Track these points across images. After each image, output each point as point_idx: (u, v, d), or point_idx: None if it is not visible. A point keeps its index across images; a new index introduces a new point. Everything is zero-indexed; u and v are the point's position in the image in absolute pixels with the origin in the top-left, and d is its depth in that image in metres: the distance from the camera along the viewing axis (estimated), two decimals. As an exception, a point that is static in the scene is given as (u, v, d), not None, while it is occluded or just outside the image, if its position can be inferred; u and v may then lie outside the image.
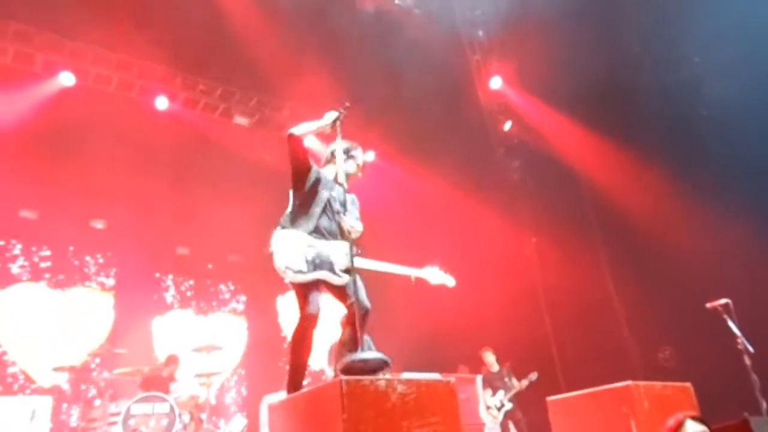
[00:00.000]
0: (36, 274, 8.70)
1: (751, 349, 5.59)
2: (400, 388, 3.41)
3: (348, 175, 4.35)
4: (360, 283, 3.99)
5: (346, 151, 4.40)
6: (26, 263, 8.69)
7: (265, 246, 3.93)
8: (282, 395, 6.63)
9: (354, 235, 4.04)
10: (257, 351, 10.13)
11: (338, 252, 3.96)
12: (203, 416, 6.94)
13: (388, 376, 3.44)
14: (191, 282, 10.00)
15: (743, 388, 5.50)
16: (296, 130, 4.13)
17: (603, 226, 9.03)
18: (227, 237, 9.29)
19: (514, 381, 7.83)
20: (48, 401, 5.84)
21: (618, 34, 8.03)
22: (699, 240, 7.18)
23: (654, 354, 8.27)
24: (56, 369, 6.92)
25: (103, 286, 9.21)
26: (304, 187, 4.10)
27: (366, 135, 10.47)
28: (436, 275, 5.12)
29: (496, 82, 9.42)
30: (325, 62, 8.13)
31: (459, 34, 9.09)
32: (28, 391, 7.88)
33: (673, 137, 7.57)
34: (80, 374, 6.84)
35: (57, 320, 8.58)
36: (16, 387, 7.90)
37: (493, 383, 7.79)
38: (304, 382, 4.12)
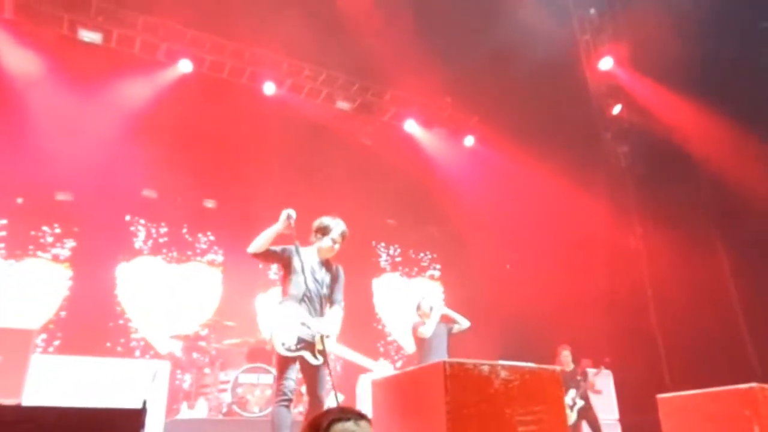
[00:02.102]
0: (155, 249, 9.40)
1: None
2: (503, 373, 3.37)
3: (327, 252, 4.51)
4: (325, 374, 4.26)
5: (319, 230, 4.56)
6: (147, 239, 9.41)
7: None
8: (380, 374, 6.78)
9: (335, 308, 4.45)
10: (352, 333, 10.37)
11: (321, 332, 4.26)
12: (303, 389, 7.23)
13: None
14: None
15: None
16: (252, 248, 4.39)
17: (721, 214, 8.39)
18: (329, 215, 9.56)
19: (588, 381, 7.70)
20: (167, 365, 6.31)
21: (742, 8, 7.37)
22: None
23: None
24: (173, 337, 7.50)
25: (213, 262, 9.79)
26: (288, 274, 4.41)
27: (466, 119, 10.38)
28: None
29: (606, 63, 8.95)
30: (427, 45, 8.10)
31: (569, 12, 8.71)
32: (147, 356, 8.56)
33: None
34: (193, 343, 7.33)
35: (173, 293, 9.24)
36: (137, 353, 8.62)
37: (565, 382, 7.59)
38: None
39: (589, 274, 8.69)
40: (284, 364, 4.17)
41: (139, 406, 2.18)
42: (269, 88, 9.08)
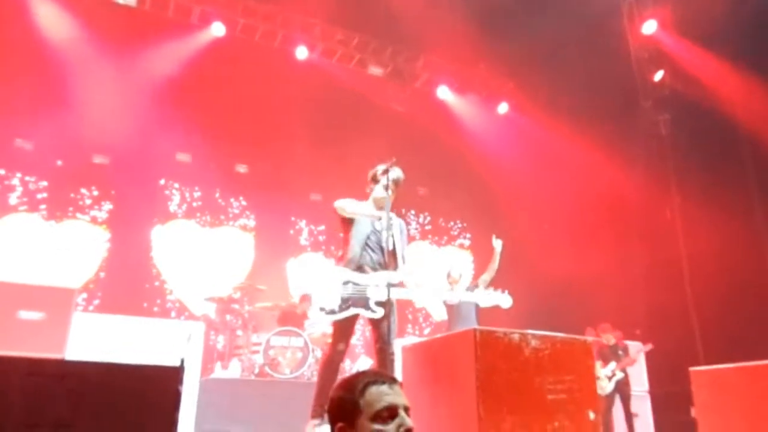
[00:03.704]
0: (189, 213, 9.56)
1: None
2: (534, 342, 3.36)
3: (383, 201, 4.34)
4: (393, 322, 4.13)
5: (372, 179, 4.48)
6: (181, 202, 9.57)
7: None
8: (411, 340, 6.84)
9: (401, 266, 4.34)
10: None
11: (376, 284, 4.20)
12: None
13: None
14: (323, 227, 10.46)
15: None
16: (340, 207, 4.38)
17: (763, 186, 8.10)
18: (358, 185, 9.54)
19: (630, 356, 7.71)
20: (201, 326, 6.47)
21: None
22: None
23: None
24: (207, 299, 7.67)
25: (245, 227, 9.92)
26: (347, 229, 4.38)
27: (499, 85, 10.16)
28: (487, 298, 5.09)
29: (650, 27, 8.57)
30: (460, 10, 7.91)
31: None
32: (183, 317, 8.80)
33: None
34: (226, 305, 7.50)
35: (206, 256, 9.42)
36: (173, 314, 8.86)
37: (605, 356, 7.59)
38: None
39: (624, 245, 8.55)
40: (333, 327, 4.25)
41: (177, 364, 2.24)
42: (301, 53, 9.01)
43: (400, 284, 4.31)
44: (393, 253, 4.37)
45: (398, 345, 5.04)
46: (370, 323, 4.30)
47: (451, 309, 6.37)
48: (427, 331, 10.60)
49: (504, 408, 3.13)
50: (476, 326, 5.92)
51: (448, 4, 7.82)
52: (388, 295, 4.08)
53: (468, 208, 11.42)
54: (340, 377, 4.33)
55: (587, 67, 8.64)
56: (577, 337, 3.57)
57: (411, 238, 11.15)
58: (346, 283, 4.21)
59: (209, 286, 8.78)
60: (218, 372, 6.85)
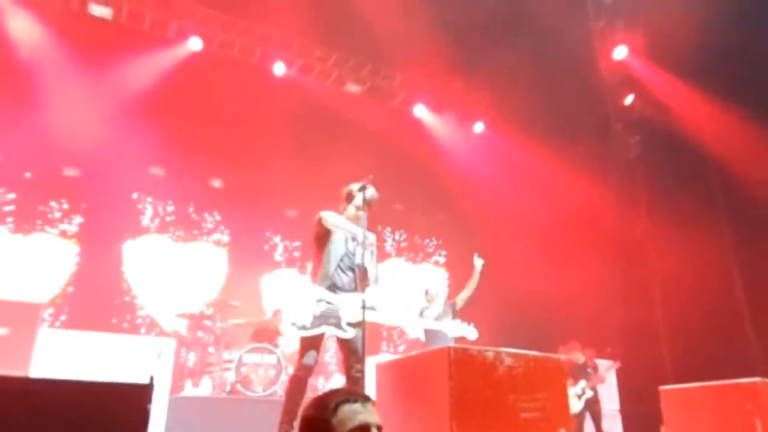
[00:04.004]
0: (162, 227, 9.43)
1: None
2: (508, 360, 3.37)
3: (355, 219, 4.37)
4: (363, 342, 4.16)
5: (346, 197, 4.49)
6: (154, 217, 9.43)
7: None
8: (384, 357, 6.81)
9: (371, 286, 4.31)
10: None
11: (349, 305, 4.19)
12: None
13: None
14: (298, 243, 10.41)
15: None
16: (326, 219, 4.32)
17: (731, 209, 8.32)
18: (334, 201, 9.55)
19: (599, 374, 7.77)
20: (172, 343, 6.36)
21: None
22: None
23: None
24: (179, 315, 7.54)
25: (219, 242, 9.82)
26: (321, 247, 4.35)
27: (474, 104, 10.31)
28: (455, 328, 5.12)
29: (620, 52, 8.83)
30: (438, 31, 8.03)
31: (584, -1, 8.61)
32: (153, 333, 8.63)
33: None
34: (198, 322, 7.38)
35: (179, 271, 9.28)
36: (143, 330, 8.69)
37: (575, 374, 7.66)
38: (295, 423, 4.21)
39: (597, 264, 8.66)
40: (301, 342, 4.20)
41: (146, 381, 2.19)
42: (279, 69, 9.04)
43: (372, 306, 4.29)
44: (365, 273, 4.37)
45: (372, 362, 5.01)
46: (340, 342, 4.27)
47: (429, 330, 6.36)
48: (401, 348, 10.57)
49: (477, 426, 3.14)
50: (452, 343, 5.94)
51: (425, 24, 7.94)
52: (362, 317, 4.07)
53: (443, 226, 11.50)
54: (312, 395, 4.28)
55: (561, 89, 8.82)
56: (551, 355, 3.60)
57: (387, 255, 11.17)
58: (319, 300, 4.19)
59: (181, 302, 8.65)
60: (189, 390, 6.71)
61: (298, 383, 4.18)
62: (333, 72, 9.37)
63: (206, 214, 9.86)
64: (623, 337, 8.62)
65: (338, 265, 4.29)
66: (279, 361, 6.76)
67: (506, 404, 3.27)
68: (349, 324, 4.20)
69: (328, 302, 4.20)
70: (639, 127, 9.24)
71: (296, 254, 10.40)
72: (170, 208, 9.55)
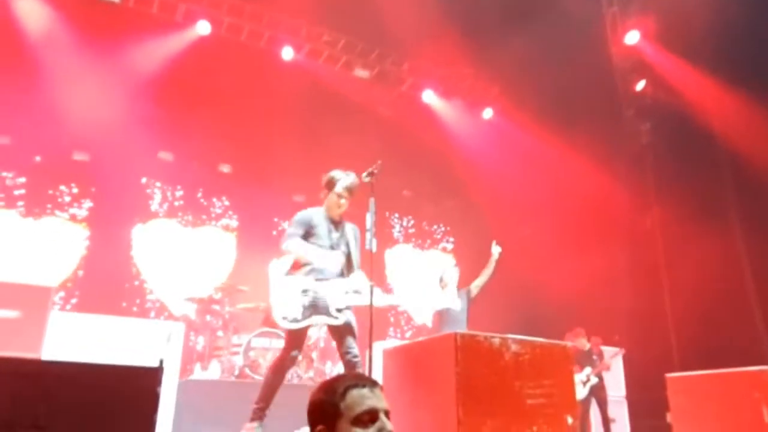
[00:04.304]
0: (171, 212, 9.47)
1: None
2: (514, 347, 3.39)
3: (336, 206, 4.36)
4: (354, 327, 4.21)
5: (326, 185, 4.43)
6: (163, 201, 9.47)
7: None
8: (392, 343, 6.84)
9: (354, 272, 4.32)
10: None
11: (335, 292, 4.18)
12: (314, 355, 7.35)
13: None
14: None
15: None
16: (287, 248, 4.26)
17: (740, 197, 8.25)
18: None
19: (604, 361, 7.80)
20: (181, 327, 6.41)
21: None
22: None
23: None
24: (187, 299, 7.60)
25: (227, 227, 9.85)
26: (306, 239, 4.29)
27: (484, 90, 10.23)
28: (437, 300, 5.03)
29: (632, 37, 8.70)
30: (447, 15, 7.95)
31: (596, -17, 8.49)
32: (162, 317, 8.71)
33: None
34: (207, 306, 7.43)
35: (187, 256, 9.33)
36: (152, 314, 8.76)
37: (580, 361, 7.66)
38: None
39: (606, 252, 8.63)
40: (288, 335, 4.22)
41: (155, 365, 2.22)
42: (287, 53, 8.99)
43: (357, 290, 4.29)
44: (349, 259, 4.38)
45: (379, 348, 5.04)
46: (331, 329, 4.28)
47: (439, 315, 6.36)
48: (408, 334, 10.61)
49: (484, 411, 3.16)
50: (465, 329, 5.98)
51: (435, 9, 7.86)
52: (370, 302, 4.09)
53: (452, 212, 11.48)
54: (320, 380, 4.32)
55: (571, 75, 8.73)
56: (557, 342, 3.61)
57: (394, 241, 11.19)
58: (305, 291, 4.18)
59: (190, 287, 8.71)
60: (197, 373, 6.78)
61: (279, 371, 4.20)
62: (341, 57, 9.32)
63: (215, 199, 9.88)
64: (631, 325, 8.62)
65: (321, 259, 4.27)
66: (287, 345, 6.79)
67: (512, 390, 3.29)
68: (338, 310, 4.20)
69: (314, 292, 4.19)
70: (650, 114, 9.14)
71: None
72: (179, 193, 9.58)
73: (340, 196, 4.35)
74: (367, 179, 4.48)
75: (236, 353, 6.77)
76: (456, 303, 6.26)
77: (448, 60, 9.41)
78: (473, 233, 10.98)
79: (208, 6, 8.42)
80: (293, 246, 4.24)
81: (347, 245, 4.40)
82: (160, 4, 8.27)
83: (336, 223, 4.43)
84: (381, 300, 4.56)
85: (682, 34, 8.02)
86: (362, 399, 1.79)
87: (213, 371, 6.81)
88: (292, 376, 7.11)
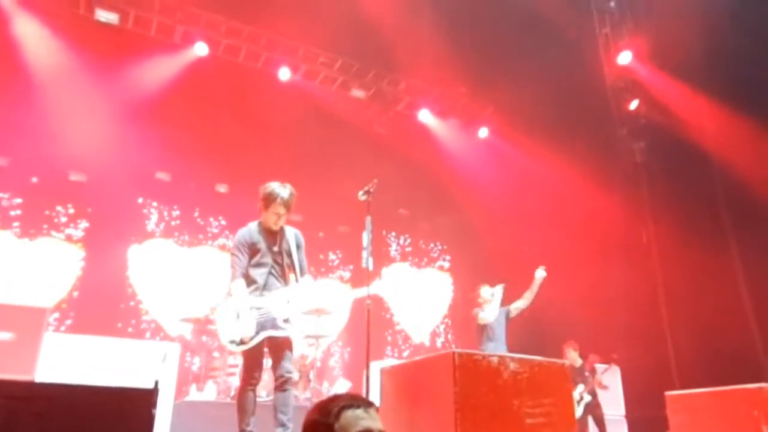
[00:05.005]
0: (167, 232, 9.46)
1: None
2: (512, 366, 3.37)
3: (271, 224, 4.36)
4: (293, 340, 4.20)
5: (262, 201, 4.43)
6: (159, 221, 9.46)
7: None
8: (389, 362, 6.80)
9: (304, 277, 4.35)
10: (361, 318, 10.42)
11: (279, 303, 4.19)
12: (311, 375, 7.30)
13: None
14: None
15: None
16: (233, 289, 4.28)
17: (735, 214, 8.30)
18: (339, 207, 9.56)
19: (596, 378, 7.74)
20: (177, 347, 6.36)
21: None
22: None
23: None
24: (183, 320, 7.55)
25: (223, 247, 9.82)
26: (250, 256, 4.30)
27: (479, 110, 10.32)
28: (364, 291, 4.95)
29: (625, 57, 8.82)
30: (443, 35, 8.06)
31: (588, 4, 8.61)
32: (158, 338, 8.64)
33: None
34: (203, 326, 7.38)
35: (183, 276, 9.29)
36: (148, 335, 8.70)
37: (573, 377, 7.62)
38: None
39: (601, 270, 8.65)
40: (244, 355, 4.19)
41: (150, 386, 2.20)
42: (284, 74, 9.07)
43: (304, 297, 4.32)
44: (292, 268, 4.38)
45: (376, 367, 5.02)
46: (270, 342, 4.18)
47: (483, 328, 6.34)
48: (406, 353, 10.55)
49: (482, 431, 3.13)
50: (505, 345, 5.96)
51: (430, 30, 7.97)
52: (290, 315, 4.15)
53: (448, 230, 11.49)
54: (317, 400, 4.27)
55: (565, 94, 8.83)
56: (556, 361, 3.59)
57: (391, 260, 11.17)
58: (252, 309, 4.16)
59: (186, 307, 8.66)
60: (193, 394, 6.72)
61: (246, 396, 4.14)
62: (338, 77, 9.41)
63: (211, 219, 9.87)
64: (629, 342, 8.59)
65: (269, 272, 4.29)
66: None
67: (511, 409, 3.26)
68: (285, 321, 4.19)
69: (259, 308, 4.17)
70: (644, 133, 9.22)
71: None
72: (176, 213, 9.58)
73: (279, 216, 4.36)
74: (363, 198, 4.51)
75: (232, 374, 6.71)
76: (492, 315, 6.23)
77: (443, 80, 9.50)
78: (470, 251, 11.00)
79: (205, 28, 8.50)
80: (236, 291, 4.25)
81: (289, 254, 4.39)
82: (158, 26, 8.36)
83: (275, 234, 4.42)
84: (353, 294, 4.59)
85: (674, 53, 8.13)
86: (357, 420, 1.77)
87: (209, 392, 6.75)
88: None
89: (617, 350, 8.43)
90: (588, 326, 8.33)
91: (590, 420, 7.60)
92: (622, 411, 8.60)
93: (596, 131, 9.22)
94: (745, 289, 8.07)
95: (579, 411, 7.46)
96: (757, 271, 7.80)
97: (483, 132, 10.44)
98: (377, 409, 1.94)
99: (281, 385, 4.15)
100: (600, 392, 7.81)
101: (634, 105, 9.17)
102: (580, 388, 7.57)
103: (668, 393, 4.57)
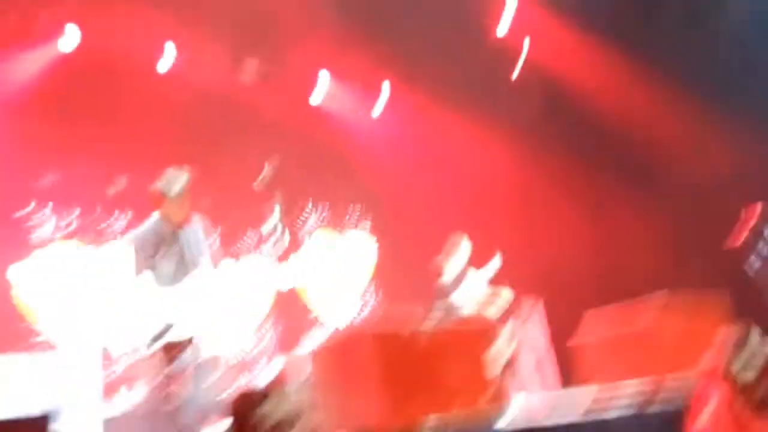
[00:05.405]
0: (66, 234, 8.90)
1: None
2: (428, 335, 3.52)
3: (174, 215, 4.30)
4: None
5: (161, 192, 4.39)
6: (56, 224, 8.86)
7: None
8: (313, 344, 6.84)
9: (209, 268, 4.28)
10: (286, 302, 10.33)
11: (188, 297, 4.15)
12: (230, 369, 7.21)
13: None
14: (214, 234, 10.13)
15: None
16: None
17: (622, 163, 8.83)
18: (236, 193, 9.31)
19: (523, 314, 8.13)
20: (97, 356, 6.08)
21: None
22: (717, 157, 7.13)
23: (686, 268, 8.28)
24: (102, 324, 7.21)
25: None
26: (154, 253, 4.23)
27: (376, 75, 10.28)
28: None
29: (511, 4, 8.97)
30: (327, 4, 7.89)
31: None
32: (71, 349, 8.19)
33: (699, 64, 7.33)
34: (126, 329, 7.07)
35: (93, 277, 8.82)
36: (53, 348, 8.18)
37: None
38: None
39: (507, 221, 9.01)
40: (164, 351, 4.14)
41: (40, 412, 2.08)
42: (167, 59, 8.60)
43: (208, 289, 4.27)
44: (199, 259, 4.31)
45: (307, 349, 5.07)
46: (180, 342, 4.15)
47: None
48: (332, 331, 10.59)
49: (405, 400, 3.28)
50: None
51: (316, 5, 7.75)
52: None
53: (364, 195, 11.48)
54: (246, 384, 4.30)
55: (460, 50, 8.92)
56: (470, 325, 3.80)
57: (311, 229, 11.08)
58: (161, 302, 4.10)
59: (103, 310, 8.29)
60: (121, 402, 6.52)
61: (170, 397, 4.15)
62: (224, 58, 8.99)
63: (116, 212, 9.38)
64: (548, 282, 9.02)
65: (174, 265, 4.23)
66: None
67: (433, 374, 3.43)
68: (196, 314, 4.15)
69: (168, 301, 4.11)
70: (537, 83, 9.49)
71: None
72: (73, 214, 9.03)
73: (178, 203, 4.26)
74: (261, 183, 4.45)
75: (166, 375, 6.53)
76: None
77: (336, 49, 9.33)
78: (389, 213, 11.12)
79: (75, 15, 7.85)
80: (141, 285, 4.18)
81: (191, 247, 4.30)
82: (20, 13, 7.62)
83: (179, 225, 4.33)
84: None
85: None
86: (276, 407, 1.82)
87: (139, 396, 6.57)
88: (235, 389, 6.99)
89: (539, 291, 8.87)
90: (506, 272, 8.68)
91: None
92: (545, 339, 9.11)
93: (492, 84, 9.42)
94: (631, 214, 8.65)
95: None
96: (646, 205, 8.41)
97: (383, 96, 10.41)
98: (295, 393, 2.00)
99: (196, 373, 4.12)
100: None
101: (525, 55, 9.40)
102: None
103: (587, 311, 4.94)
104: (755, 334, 3.04)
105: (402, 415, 3.19)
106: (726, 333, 3.07)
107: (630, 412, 3.63)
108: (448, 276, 6.80)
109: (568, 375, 6.26)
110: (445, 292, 6.74)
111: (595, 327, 4.83)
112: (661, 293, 4.41)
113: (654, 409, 3.67)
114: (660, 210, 8.08)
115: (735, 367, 2.90)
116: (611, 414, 3.63)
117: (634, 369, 4.12)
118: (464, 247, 7.03)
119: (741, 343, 2.97)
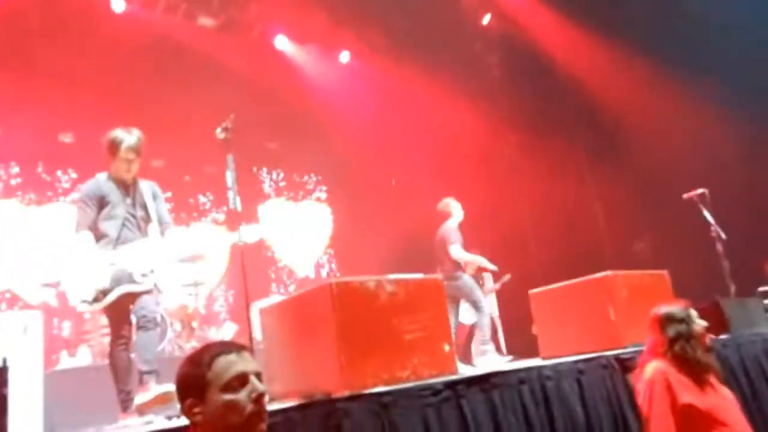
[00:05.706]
0: (8, 192, 8.47)
1: (723, 235, 5.84)
2: (389, 287, 3.48)
3: (122, 173, 4.15)
4: (149, 299, 3.99)
5: (108, 150, 4.19)
6: (-4, 181, 8.42)
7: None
8: (275, 298, 6.76)
9: (167, 230, 4.20)
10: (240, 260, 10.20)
11: (134, 257, 3.97)
12: (194, 324, 7.11)
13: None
14: (169, 194, 9.83)
15: (715, 274, 5.77)
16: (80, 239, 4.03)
17: (582, 122, 9.00)
18: (202, 147, 9.04)
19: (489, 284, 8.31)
20: (38, 315, 5.85)
21: None
22: (676, 134, 7.32)
23: (630, 247, 8.58)
24: (44, 285, 6.94)
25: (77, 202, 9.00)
26: (99, 210, 4.06)
27: (338, 33, 10.04)
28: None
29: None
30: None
31: None
32: (16, 308, 7.89)
33: (659, 30, 7.45)
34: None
35: (36, 237, 8.45)
36: (3, 306, 7.92)
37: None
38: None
39: (470, 187, 9.05)
40: (106, 313, 4.02)
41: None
42: (118, 4, 8.14)
43: (167, 250, 4.18)
44: (149, 220, 4.20)
45: (254, 309, 4.96)
46: (130, 297, 3.98)
47: None
48: (292, 288, 10.57)
49: (365, 353, 3.24)
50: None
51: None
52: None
53: (321, 161, 11.35)
54: (199, 346, 4.17)
55: (424, 13, 8.81)
56: (429, 276, 3.78)
57: (266, 196, 10.91)
58: (104, 263, 3.92)
59: (45, 270, 7.94)
60: (65, 362, 6.31)
61: (118, 356, 3.98)
62: (181, 5, 8.59)
63: (59, 173, 8.96)
64: (499, 252, 9.18)
65: (123, 224, 4.07)
66: (162, 318, 6.49)
67: (391, 328, 3.40)
68: (143, 275, 3.98)
69: (114, 262, 3.94)
70: (498, 47, 9.52)
71: (169, 206, 9.84)
72: (14, 170, 8.56)
73: (128, 159, 4.10)
74: (221, 135, 4.28)
75: (106, 334, 6.33)
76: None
77: (297, 4, 9.04)
78: (345, 180, 11.02)
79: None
80: (82, 244, 3.98)
81: (144, 207, 4.19)
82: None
83: (128, 187, 4.19)
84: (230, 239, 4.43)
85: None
86: (230, 365, 1.75)
87: (83, 357, 6.37)
88: (173, 348, 6.86)
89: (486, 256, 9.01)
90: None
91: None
92: (497, 311, 9.34)
93: (454, 48, 9.36)
94: (594, 195, 8.88)
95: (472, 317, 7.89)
96: (604, 179, 8.60)
97: (344, 56, 10.21)
98: (252, 352, 1.92)
99: (143, 324, 3.92)
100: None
101: (487, 19, 9.38)
102: None
103: (531, 291, 5.02)
104: (693, 311, 3.20)
105: (360, 366, 3.15)
106: (666, 310, 3.21)
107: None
108: None
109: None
110: None
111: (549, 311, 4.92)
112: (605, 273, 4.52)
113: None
114: (616, 183, 8.28)
115: (674, 343, 3.06)
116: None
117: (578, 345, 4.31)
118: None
119: (679, 319, 3.13)
